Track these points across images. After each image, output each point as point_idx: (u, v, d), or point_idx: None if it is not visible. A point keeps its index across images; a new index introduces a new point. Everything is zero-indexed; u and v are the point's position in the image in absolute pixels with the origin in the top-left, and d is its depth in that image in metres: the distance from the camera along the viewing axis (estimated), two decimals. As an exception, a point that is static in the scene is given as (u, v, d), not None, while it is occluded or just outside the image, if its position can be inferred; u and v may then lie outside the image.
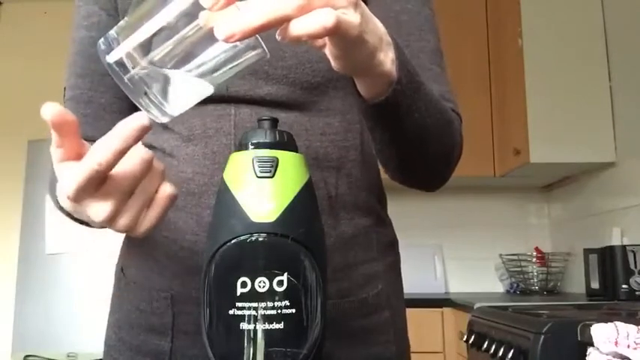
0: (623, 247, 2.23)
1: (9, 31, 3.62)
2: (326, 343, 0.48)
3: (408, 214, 3.04)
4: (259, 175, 0.47)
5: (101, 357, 0.78)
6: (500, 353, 1.53)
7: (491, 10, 3.02)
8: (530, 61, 2.55)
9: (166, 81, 0.46)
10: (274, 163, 0.47)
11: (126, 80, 0.46)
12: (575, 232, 2.86)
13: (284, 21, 0.42)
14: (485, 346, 1.67)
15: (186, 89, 0.47)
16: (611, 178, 2.51)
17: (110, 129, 0.78)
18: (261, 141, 0.49)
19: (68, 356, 2.62)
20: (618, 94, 2.46)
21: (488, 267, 3.17)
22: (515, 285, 2.96)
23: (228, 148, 0.68)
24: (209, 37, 0.43)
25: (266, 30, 0.42)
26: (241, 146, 0.50)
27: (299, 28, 0.42)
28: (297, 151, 0.50)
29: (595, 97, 2.50)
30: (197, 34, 0.44)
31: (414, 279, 3.07)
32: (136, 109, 0.82)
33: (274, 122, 0.50)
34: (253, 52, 0.46)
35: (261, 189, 0.46)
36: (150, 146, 0.75)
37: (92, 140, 0.78)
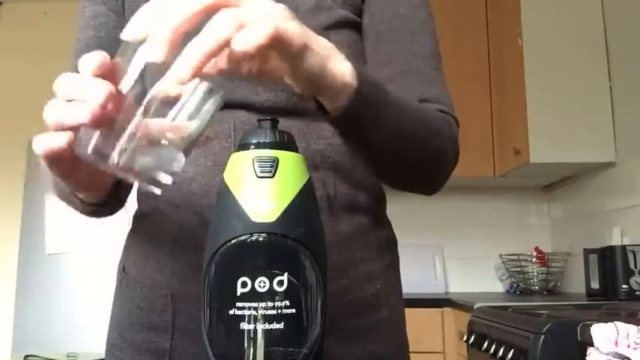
0: (623, 247, 2.23)
1: (9, 31, 3.62)
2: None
3: (408, 214, 3.04)
4: (259, 175, 0.47)
5: (101, 357, 0.79)
6: (500, 353, 1.53)
7: (491, 10, 3.02)
8: (530, 61, 2.55)
9: (148, 153, 0.45)
10: (274, 163, 0.47)
11: (112, 164, 0.44)
12: (575, 232, 2.86)
13: (227, 43, 0.43)
14: (485, 346, 1.67)
15: (164, 157, 0.47)
16: (611, 178, 2.51)
17: None
18: (261, 141, 0.49)
19: (68, 356, 2.62)
20: (618, 94, 2.46)
21: (488, 267, 3.17)
22: (515, 285, 2.96)
23: (229, 150, 0.69)
24: (170, 99, 0.43)
25: (214, 56, 0.43)
26: (242, 146, 0.50)
27: (242, 41, 0.43)
28: (297, 151, 0.50)
29: (595, 97, 2.50)
30: (156, 100, 0.44)
31: (414, 279, 3.06)
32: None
33: (274, 122, 0.50)
34: (216, 96, 0.46)
35: (262, 189, 0.46)
36: None
37: None
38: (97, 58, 0.45)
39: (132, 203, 0.80)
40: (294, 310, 0.45)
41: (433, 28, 0.77)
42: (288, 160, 0.48)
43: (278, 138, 0.49)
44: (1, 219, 3.38)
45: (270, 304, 0.44)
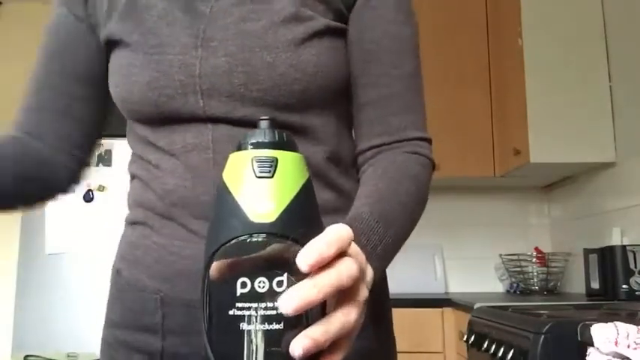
0: (623, 247, 2.23)
1: (9, 31, 3.62)
2: None
3: (408, 214, 3.04)
4: (258, 175, 0.47)
5: (101, 356, 0.79)
6: (500, 353, 1.53)
7: (491, 10, 3.02)
8: (530, 61, 2.55)
9: None
10: (273, 163, 0.47)
11: None
12: (575, 232, 2.86)
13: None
14: (485, 346, 1.67)
15: None
16: (611, 178, 2.51)
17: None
18: (260, 141, 0.49)
19: (68, 356, 2.62)
20: (618, 94, 2.46)
21: (488, 267, 3.17)
22: (515, 285, 2.96)
23: (207, 162, 0.70)
24: None
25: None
26: (240, 146, 0.49)
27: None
28: (296, 151, 0.50)
29: (595, 97, 2.50)
30: None
31: (414, 279, 3.07)
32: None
33: (273, 122, 0.50)
34: None
35: (261, 189, 0.46)
36: (139, 157, 0.77)
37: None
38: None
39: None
40: (293, 311, 0.45)
41: (416, 43, 0.79)
42: (288, 160, 0.48)
43: (277, 138, 0.49)
44: (1, 219, 3.38)
45: (269, 304, 0.44)
